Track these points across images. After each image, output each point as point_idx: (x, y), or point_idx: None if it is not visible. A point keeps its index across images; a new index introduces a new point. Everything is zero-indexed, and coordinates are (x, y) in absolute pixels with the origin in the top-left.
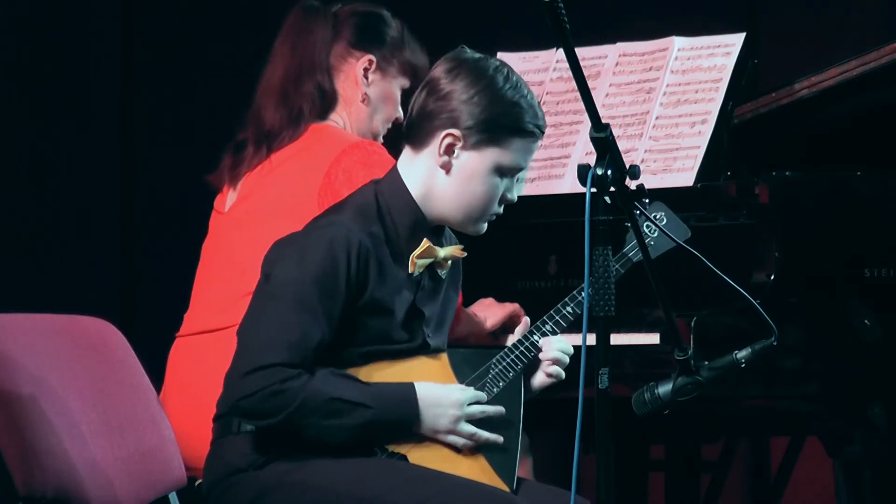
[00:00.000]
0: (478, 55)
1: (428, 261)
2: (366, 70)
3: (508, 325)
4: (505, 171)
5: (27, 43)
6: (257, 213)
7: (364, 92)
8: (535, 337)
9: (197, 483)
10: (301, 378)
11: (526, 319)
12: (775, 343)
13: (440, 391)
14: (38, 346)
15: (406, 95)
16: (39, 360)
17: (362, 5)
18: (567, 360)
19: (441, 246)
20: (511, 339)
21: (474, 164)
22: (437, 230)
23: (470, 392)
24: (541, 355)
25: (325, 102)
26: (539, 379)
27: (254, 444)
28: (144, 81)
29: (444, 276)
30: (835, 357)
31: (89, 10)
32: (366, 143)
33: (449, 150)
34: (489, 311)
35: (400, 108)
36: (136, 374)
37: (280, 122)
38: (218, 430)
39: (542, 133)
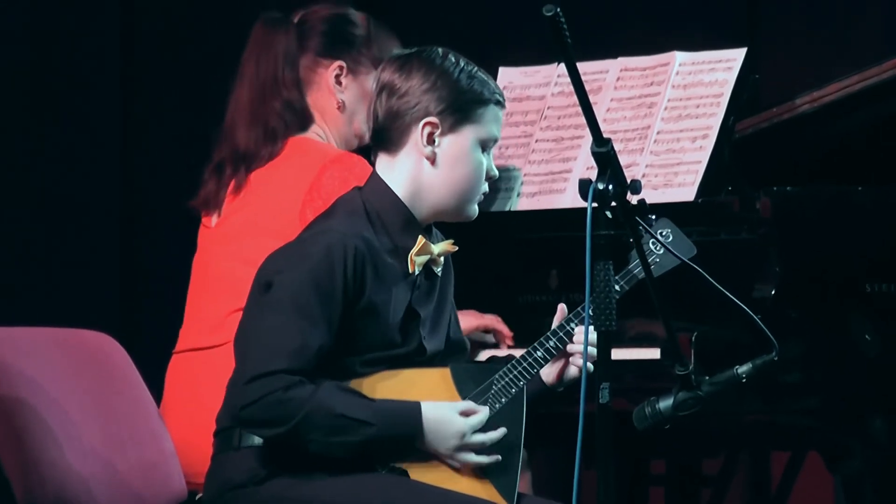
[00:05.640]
0: (415, 49)
1: (425, 258)
2: (337, 77)
3: (482, 337)
4: (484, 145)
5: (26, 47)
6: (242, 231)
7: (339, 99)
8: (539, 353)
9: (197, 497)
10: (305, 387)
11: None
12: (776, 358)
13: (445, 416)
14: (40, 360)
15: None
16: (41, 373)
17: (324, 8)
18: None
19: (433, 243)
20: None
21: (457, 146)
22: (426, 229)
23: (474, 420)
24: (569, 347)
25: (299, 116)
26: (571, 372)
27: (254, 460)
28: (145, 87)
29: (438, 274)
30: (835, 371)
31: (89, 9)
32: (345, 156)
33: (430, 139)
34: (463, 318)
35: None
36: (136, 388)
37: (255, 142)
38: (218, 444)
39: (504, 100)
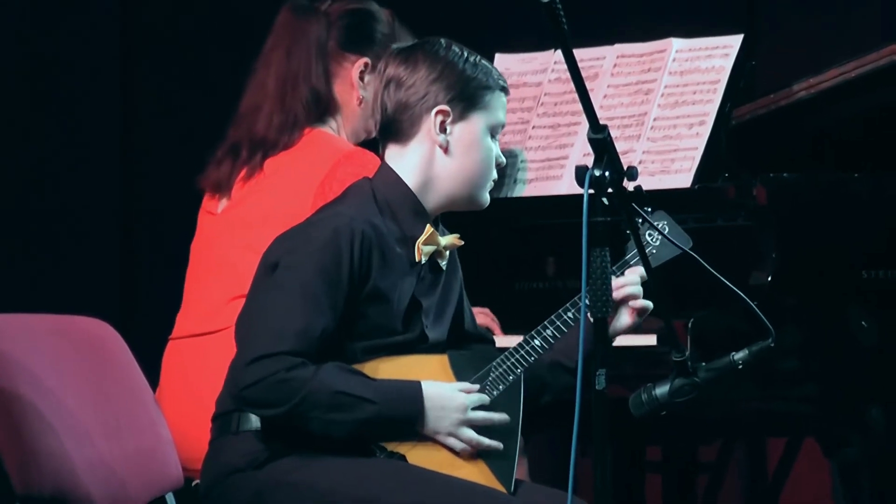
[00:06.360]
0: (416, 41)
1: (432, 248)
2: (361, 73)
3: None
4: (493, 131)
5: (26, 46)
6: (251, 219)
7: (361, 95)
8: (536, 341)
9: (194, 483)
10: (307, 368)
11: None
12: (772, 345)
13: (446, 392)
14: (37, 347)
15: None
16: (37, 360)
17: (350, 2)
18: (640, 288)
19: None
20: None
21: (468, 133)
22: (434, 221)
23: (475, 396)
24: (615, 294)
25: (321, 107)
26: (622, 321)
27: (253, 444)
28: (145, 81)
29: (444, 267)
30: (832, 359)
31: (89, 10)
32: (360, 152)
33: (442, 127)
34: None
35: None
36: (133, 375)
37: (276, 129)
38: (217, 429)
39: (507, 87)
